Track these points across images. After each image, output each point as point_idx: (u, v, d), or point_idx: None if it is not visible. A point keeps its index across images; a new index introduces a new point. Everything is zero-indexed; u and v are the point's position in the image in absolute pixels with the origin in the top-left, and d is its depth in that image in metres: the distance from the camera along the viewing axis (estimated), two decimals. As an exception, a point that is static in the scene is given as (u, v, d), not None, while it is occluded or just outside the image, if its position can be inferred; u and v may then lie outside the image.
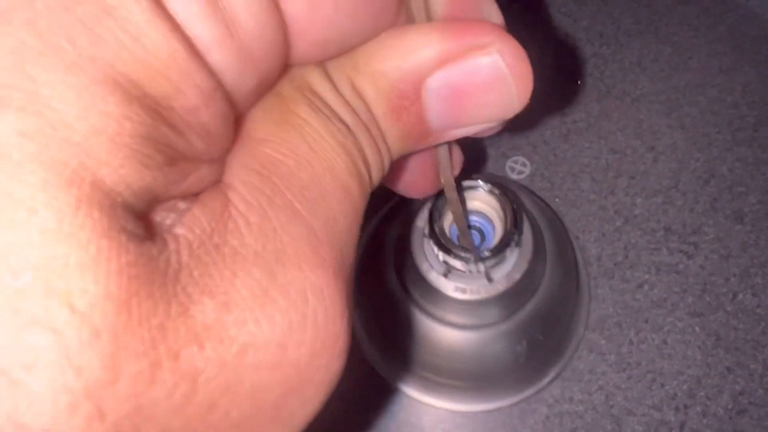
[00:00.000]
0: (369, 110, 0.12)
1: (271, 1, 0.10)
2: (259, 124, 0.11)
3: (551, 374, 0.32)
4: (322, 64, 0.12)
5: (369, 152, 0.12)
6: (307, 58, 0.11)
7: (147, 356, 0.08)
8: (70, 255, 0.07)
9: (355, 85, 0.12)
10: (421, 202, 0.24)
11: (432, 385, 0.31)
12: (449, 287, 0.24)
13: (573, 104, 0.39)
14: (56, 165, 0.07)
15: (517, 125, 0.39)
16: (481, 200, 0.24)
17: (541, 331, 0.28)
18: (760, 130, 0.38)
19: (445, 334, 0.26)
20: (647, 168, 0.37)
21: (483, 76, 0.12)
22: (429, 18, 0.12)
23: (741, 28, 0.41)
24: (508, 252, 0.23)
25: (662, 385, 0.32)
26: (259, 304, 0.10)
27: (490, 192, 0.23)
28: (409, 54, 0.12)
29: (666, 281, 0.35)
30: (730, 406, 0.32)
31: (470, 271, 0.23)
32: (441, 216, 0.23)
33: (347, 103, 0.12)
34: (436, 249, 0.23)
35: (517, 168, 0.38)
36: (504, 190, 0.23)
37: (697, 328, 0.33)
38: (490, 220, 0.24)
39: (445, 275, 0.24)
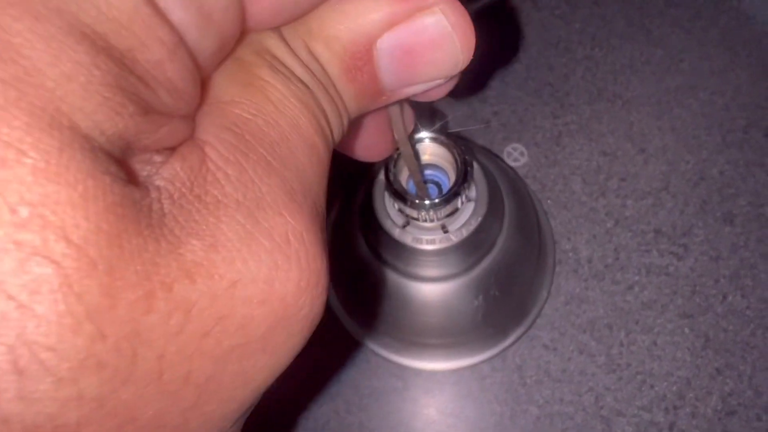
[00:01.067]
0: (325, 72, 0.13)
1: None
2: (225, 87, 0.12)
3: (513, 335, 0.33)
4: (278, 30, 0.13)
5: (329, 110, 0.13)
6: (262, 23, 0.12)
7: (142, 286, 0.09)
8: (60, 192, 0.08)
9: (311, 48, 0.13)
10: (382, 163, 0.26)
11: (399, 344, 0.32)
12: (407, 238, 0.26)
13: (564, 106, 0.40)
14: (36, 110, 0.08)
15: (511, 124, 0.40)
16: (435, 153, 0.26)
17: (498, 288, 0.29)
18: (750, 133, 0.38)
19: (406, 286, 0.28)
20: (638, 170, 0.38)
21: (429, 34, 0.13)
22: None
23: (733, 31, 0.41)
24: (459, 203, 0.25)
25: (652, 387, 0.33)
26: (245, 245, 0.10)
27: (441, 143, 0.25)
28: (359, 17, 0.13)
29: (656, 283, 0.35)
30: (719, 407, 0.32)
31: (425, 220, 0.25)
32: (396, 167, 0.24)
33: (304, 65, 0.13)
34: (392, 199, 0.25)
35: (514, 155, 0.38)
36: (456, 142, 0.24)
37: (686, 330, 0.34)
38: (446, 174, 0.26)
39: (404, 226, 0.26)
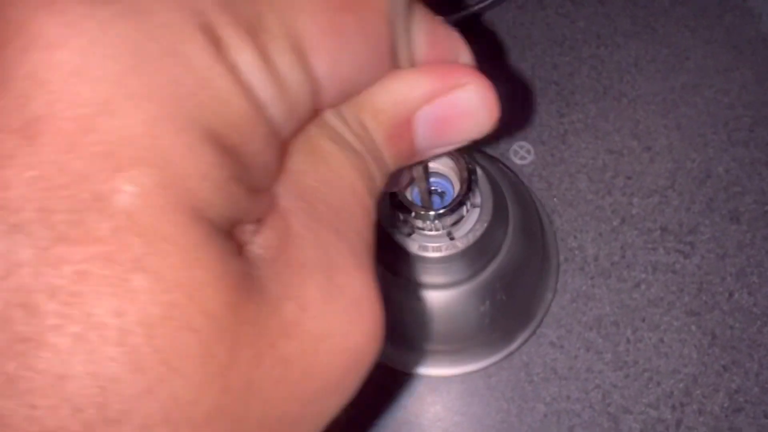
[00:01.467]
0: (372, 138, 0.15)
1: (307, 65, 0.13)
2: (294, 157, 0.14)
3: (520, 338, 0.33)
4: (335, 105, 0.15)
5: (375, 171, 0.15)
6: (328, 105, 0.14)
7: (254, 346, 0.11)
8: (202, 276, 0.10)
9: (361, 119, 0.15)
10: None
11: (405, 350, 0.33)
12: (413, 246, 0.26)
13: (570, 105, 0.40)
14: (185, 209, 0.10)
15: (517, 122, 0.40)
16: (440, 162, 0.26)
17: (504, 292, 0.29)
18: (756, 131, 0.38)
19: (412, 293, 0.28)
20: (644, 168, 0.38)
21: (462, 108, 0.16)
22: (413, 64, 0.15)
23: (738, 29, 0.41)
24: (464, 210, 0.25)
25: (659, 384, 0.33)
26: (326, 303, 0.12)
27: (447, 154, 0.24)
28: (403, 94, 0.15)
29: (662, 280, 0.35)
30: (726, 405, 0.32)
31: (430, 230, 0.25)
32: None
33: (356, 133, 0.15)
34: (396, 209, 0.25)
35: (521, 153, 0.38)
36: (459, 149, 0.25)
37: (693, 327, 0.34)
38: (449, 182, 0.26)
39: (408, 235, 0.26)
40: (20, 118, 0.09)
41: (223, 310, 0.11)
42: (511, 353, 0.33)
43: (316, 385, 0.12)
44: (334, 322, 0.12)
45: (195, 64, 0.10)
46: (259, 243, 0.12)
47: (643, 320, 0.34)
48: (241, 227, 0.12)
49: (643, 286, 0.35)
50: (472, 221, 0.26)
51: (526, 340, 0.33)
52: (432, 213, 0.24)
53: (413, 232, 0.26)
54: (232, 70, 0.11)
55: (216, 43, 0.11)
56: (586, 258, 0.36)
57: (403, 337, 0.32)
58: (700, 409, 0.32)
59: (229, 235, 0.11)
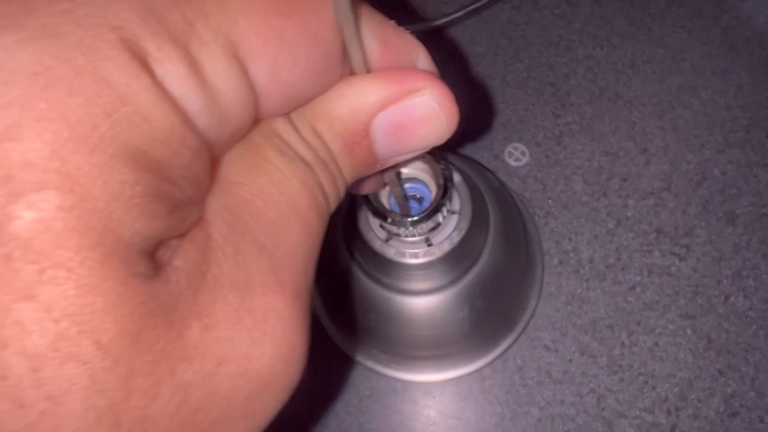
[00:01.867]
0: (327, 148, 0.15)
1: (243, 72, 0.12)
2: (232, 168, 0.13)
3: (503, 345, 0.33)
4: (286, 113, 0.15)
5: (327, 184, 0.15)
6: (272, 114, 0.14)
7: (152, 375, 0.11)
8: (97, 302, 0.10)
9: (315, 128, 0.15)
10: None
11: (388, 356, 0.32)
12: (390, 252, 0.25)
13: (565, 106, 0.39)
14: (87, 231, 0.10)
15: (512, 123, 0.39)
16: (415, 167, 0.25)
17: (484, 299, 0.29)
18: (752, 132, 0.38)
19: (391, 299, 0.28)
20: (639, 170, 0.37)
21: (419, 113, 0.15)
22: (368, 70, 0.15)
23: (734, 31, 0.41)
24: (440, 217, 0.24)
25: (654, 388, 0.32)
26: (232, 324, 0.12)
27: (421, 157, 0.24)
28: (359, 100, 0.15)
29: (658, 283, 0.35)
30: (721, 409, 0.32)
31: (407, 236, 0.25)
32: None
33: (308, 144, 0.15)
34: (371, 216, 0.24)
35: (516, 155, 0.38)
36: (435, 155, 0.24)
37: (688, 331, 0.33)
38: (428, 188, 0.25)
39: (386, 240, 0.25)
40: None
41: (119, 339, 0.10)
42: (493, 361, 0.33)
43: (217, 411, 0.12)
44: (236, 344, 0.12)
45: (112, 81, 0.10)
46: (179, 258, 0.12)
47: (638, 324, 0.34)
48: (166, 244, 0.12)
49: (638, 289, 0.35)
50: (450, 228, 0.26)
51: (509, 347, 0.33)
52: (408, 219, 0.23)
53: (390, 237, 0.25)
54: (154, 83, 0.10)
55: (138, 56, 0.10)
56: (581, 260, 0.35)
57: (383, 342, 0.31)
58: (695, 414, 0.32)
59: (147, 253, 0.11)
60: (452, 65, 0.42)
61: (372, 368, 0.33)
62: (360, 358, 0.33)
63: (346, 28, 0.14)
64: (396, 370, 0.33)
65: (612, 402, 0.32)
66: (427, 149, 0.16)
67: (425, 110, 0.15)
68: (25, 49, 0.09)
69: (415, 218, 0.23)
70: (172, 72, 0.11)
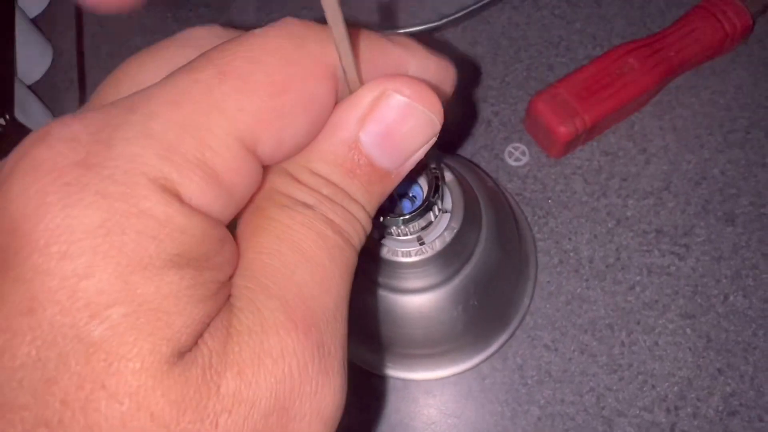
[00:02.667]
0: (329, 182, 0.16)
1: (253, 157, 0.14)
2: (243, 238, 0.16)
3: (498, 342, 0.33)
4: (280, 166, 0.16)
5: (337, 218, 0.16)
6: (273, 164, 0.16)
7: (199, 429, 0.13)
8: (147, 382, 0.13)
9: (312, 170, 0.16)
10: None
11: (387, 356, 0.33)
12: (383, 250, 0.26)
13: (565, 106, 0.40)
14: (142, 326, 0.13)
15: (512, 123, 0.40)
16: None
17: (477, 298, 0.29)
18: (752, 132, 0.38)
19: (384, 298, 0.28)
20: (639, 170, 0.37)
21: (394, 113, 0.16)
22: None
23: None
24: (432, 215, 0.24)
25: (653, 387, 0.33)
26: (256, 367, 0.14)
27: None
28: (339, 129, 0.16)
29: (657, 283, 0.35)
30: (720, 408, 0.32)
31: (399, 235, 0.25)
32: None
33: (308, 187, 0.16)
34: None
35: (516, 155, 0.38)
36: (428, 156, 0.24)
37: (688, 330, 0.34)
38: (422, 188, 0.25)
39: (379, 239, 0.26)
40: (24, 298, 0.12)
41: (167, 408, 0.13)
42: (489, 357, 0.33)
43: None
44: (262, 384, 0.14)
45: (153, 213, 0.13)
46: (212, 327, 0.14)
47: (638, 323, 0.34)
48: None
49: (637, 289, 0.35)
50: (442, 226, 0.26)
51: (503, 344, 0.33)
52: (399, 218, 0.24)
53: (384, 236, 0.26)
54: (183, 204, 0.13)
55: (167, 187, 0.13)
56: (581, 260, 0.36)
57: (381, 342, 0.31)
58: (694, 413, 0.32)
59: (195, 330, 0.14)
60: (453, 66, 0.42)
61: (371, 368, 0.33)
62: (358, 358, 0.33)
63: (346, 58, 0.15)
64: (394, 369, 0.33)
65: (612, 401, 0.32)
66: (428, 142, 0.17)
67: (398, 108, 0.16)
68: (88, 213, 0.13)
69: (407, 216, 0.24)
70: (195, 191, 0.14)
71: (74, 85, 0.45)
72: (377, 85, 0.16)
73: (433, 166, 0.24)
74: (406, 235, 0.25)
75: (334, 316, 0.16)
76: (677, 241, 0.36)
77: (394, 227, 0.24)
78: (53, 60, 0.46)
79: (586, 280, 0.35)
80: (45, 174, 0.13)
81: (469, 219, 0.26)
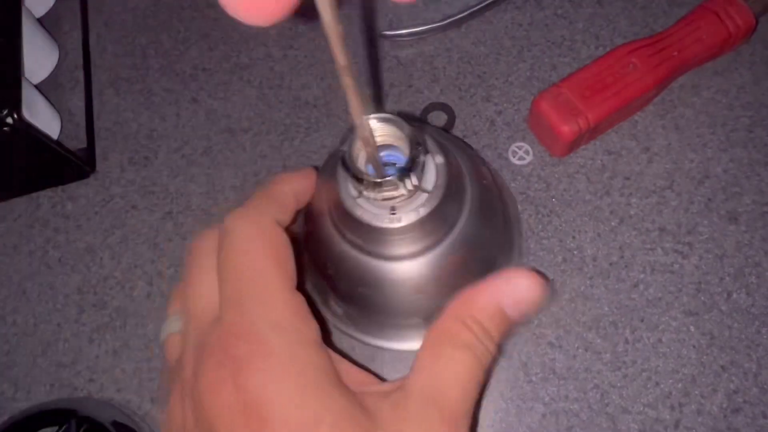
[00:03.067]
0: (484, 329, 0.23)
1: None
2: (422, 356, 0.24)
3: None
4: (456, 316, 0.24)
5: (482, 354, 0.23)
6: None
7: None
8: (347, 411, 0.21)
9: (479, 321, 0.24)
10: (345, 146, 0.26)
11: (370, 325, 0.33)
12: (358, 211, 0.26)
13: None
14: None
15: (515, 123, 0.40)
16: (391, 135, 0.26)
17: (458, 274, 0.30)
18: (754, 131, 0.38)
19: (369, 264, 0.28)
20: (642, 168, 0.38)
21: (521, 294, 0.24)
22: (366, 114, 0.22)
23: (736, 30, 0.41)
24: (403, 188, 0.25)
25: (657, 384, 0.33)
26: None
27: (390, 122, 0.25)
28: (498, 297, 0.24)
29: (661, 281, 0.35)
30: (724, 405, 0.32)
31: (369, 197, 0.26)
32: (350, 145, 0.25)
33: (473, 332, 0.23)
34: (351, 181, 0.25)
35: (519, 153, 0.39)
36: (408, 121, 0.25)
37: (691, 327, 0.34)
38: (402, 154, 0.26)
39: (356, 199, 0.26)
40: None
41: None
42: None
43: None
44: None
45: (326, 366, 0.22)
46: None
47: (642, 320, 0.34)
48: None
49: (641, 287, 0.35)
50: (417, 203, 0.26)
51: None
52: (370, 180, 0.24)
53: (360, 196, 0.26)
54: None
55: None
56: (585, 258, 0.36)
57: (365, 310, 0.32)
58: (698, 410, 0.32)
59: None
60: (456, 66, 0.42)
61: (355, 337, 0.33)
62: (347, 329, 0.33)
63: (345, 76, 0.17)
64: (379, 339, 0.33)
65: (616, 398, 0.33)
66: (534, 308, 0.24)
67: (523, 292, 0.24)
68: (289, 378, 0.21)
69: (378, 180, 0.24)
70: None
71: (80, 85, 0.45)
72: (517, 275, 0.24)
73: (417, 140, 0.25)
74: (377, 200, 0.26)
75: (468, 418, 0.23)
76: (680, 239, 0.36)
77: (363, 188, 0.25)
78: (59, 59, 0.47)
79: (590, 278, 0.35)
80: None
81: (451, 193, 0.27)
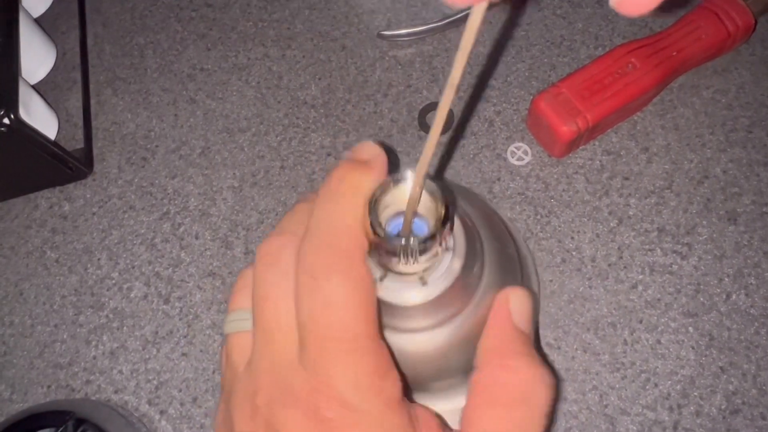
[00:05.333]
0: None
1: None
2: (487, 358, 0.24)
3: None
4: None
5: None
6: None
7: None
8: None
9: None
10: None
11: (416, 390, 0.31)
12: (383, 292, 0.24)
13: (568, 105, 0.40)
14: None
15: (514, 123, 0.40)
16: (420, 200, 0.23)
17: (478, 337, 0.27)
18: (754, 132, 0.38)
19: (396, 339, 0.26)
20: (641, 169, 0.38)
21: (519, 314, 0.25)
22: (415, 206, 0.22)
23: (735, 30, 0.41)
24: (440, 249, 0.22)
25: (656, 385, 0.33)
26: None
27: (429, 190, 0.22)
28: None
29: (660, 282, 0.35)
30: (723, 406, 0.32)
31: (403, 271, 0.23)
32: (376, 215, 0.22)
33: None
34: (373, 250, 0.22)
35: (518, 154, 0.38)
36: (441, 188, 0.22)
37: (690, 329, 0.34)
38: (426, 223, 0.23)
39: (381, 279, 0.24)
40: None
41: None
42: None
43: None
44: None
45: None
46: None
47: (641, 321, 0.34)
48: None
49: (640, 288, 0.35)
50: (444, 266, 0.24)
51: None
52: (413, 242, 0.21)
53: (386, 276, 0.23)
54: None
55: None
56: (583, 259, 0.36)
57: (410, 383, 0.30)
58: (697, 411, 0.32)
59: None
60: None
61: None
62: None
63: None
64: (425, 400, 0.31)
65: (614, 399, 0.33)
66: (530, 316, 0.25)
67: (523, 301, 0.25)
68: None
69: (423, 239, 0.21)
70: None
71: (77, 85, 0.45)
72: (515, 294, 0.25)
73: (445, 195, 0.22)
74: (412, 272, 0.23)
75: None
76: (679, 239, 0.36)
77: (404, 257, 0.22)
78: (57, 59, 0.47)
79: (589, 279, 0.35)
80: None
81: (471, 254, 0.25)
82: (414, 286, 0.23)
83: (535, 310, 0.25)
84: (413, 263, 0.22)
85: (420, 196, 0.21)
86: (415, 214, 0.23)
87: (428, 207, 0.23)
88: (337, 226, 0.21)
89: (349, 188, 0.21)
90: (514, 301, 0.25)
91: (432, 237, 0.21)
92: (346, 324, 0.20)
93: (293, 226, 0.23)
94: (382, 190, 0.22)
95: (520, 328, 0.24)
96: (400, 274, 0.23)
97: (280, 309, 0.22)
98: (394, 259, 0.22)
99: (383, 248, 0.22)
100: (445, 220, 0.21)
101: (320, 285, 0.21)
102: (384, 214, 0.23)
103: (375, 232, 0.21)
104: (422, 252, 0.22)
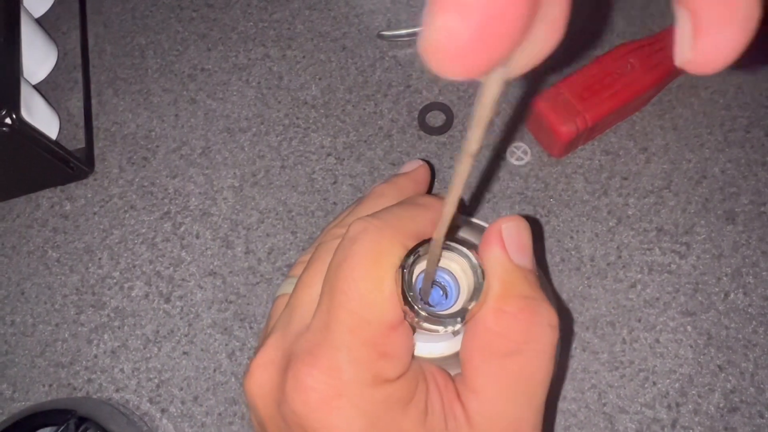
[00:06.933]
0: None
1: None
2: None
3: None
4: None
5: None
6: None
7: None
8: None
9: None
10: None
11: None
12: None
13: (567, 106, 0.40)
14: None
15: (513, 123, 0.40)
16: (455, 261, 0.22)
17: None
18: (752, 131, 0.38)
19: None
20: (640, 169, 0.38)
21: (511, 236, 0.22)
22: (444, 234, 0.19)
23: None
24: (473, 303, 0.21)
25: (654, 384, 0.33)
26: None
27: (466, 257, 0.21)
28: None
29: (658, 281, 0.35)
30: (721, 404, 0.32)
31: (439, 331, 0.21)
32: (411, 277, 0.21)
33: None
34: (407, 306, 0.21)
35: (518, 154, 0.39)
36: (472, 251, 0.21)
37: (689, 327, 0.34)
38: (455, 279, 0.22)
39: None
40: None
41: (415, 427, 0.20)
42: None
43: None
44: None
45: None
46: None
47: (639, 320, 0.34)
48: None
49: (639, 287, 0.35)
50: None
51: None
52: (456, 316, 0.20)
53: (414, 330, 0.22)
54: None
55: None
56: (582, 258, 0.36)
57: None
58: (695, 409, 0.32)
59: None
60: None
61: None
62: None
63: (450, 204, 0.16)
64: None
65: (613, 397, 0.33)
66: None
67: (521, 229, 0.22)
68: (358, 420, 0.20)
69: (458, 315, 0.20)
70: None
71: (78, 85, 0.45)
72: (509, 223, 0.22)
73: (479, 264, 0.21)
74: (444, 330, 0.21)
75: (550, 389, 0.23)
76: (678, 239, 0.36)
77: (442, 327, 0.20)
78: (58, 60, 0.47)
79: (588, 278, 0.35)
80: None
81: None
82: (445, 338, 0.22)
83: (536, 235, 0.22)
84: (443, 331, 0.21)
85: (437, 265, 0.21)
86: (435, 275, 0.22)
87: (463, 267, 0.21)
88: (392, 215, 0.23)
89: (374, 254, 0.21)
90: (508, 232, 0.21)
91: (466, 312, 0.20)
92: (368, 294, 0.20)
93: (375, 210, 0.23)
94: (415, 257, 0.21)
95: (519, 263, 0.21)
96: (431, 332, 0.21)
97: (316, 287, 0.23)
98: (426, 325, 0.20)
99: (414, 318, 0.20)
100: (477, 292, 0.20)
101: (352, 246, 0.22)
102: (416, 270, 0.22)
103: (407, 302, 0.20)
104: (455, 324, 0.20)
